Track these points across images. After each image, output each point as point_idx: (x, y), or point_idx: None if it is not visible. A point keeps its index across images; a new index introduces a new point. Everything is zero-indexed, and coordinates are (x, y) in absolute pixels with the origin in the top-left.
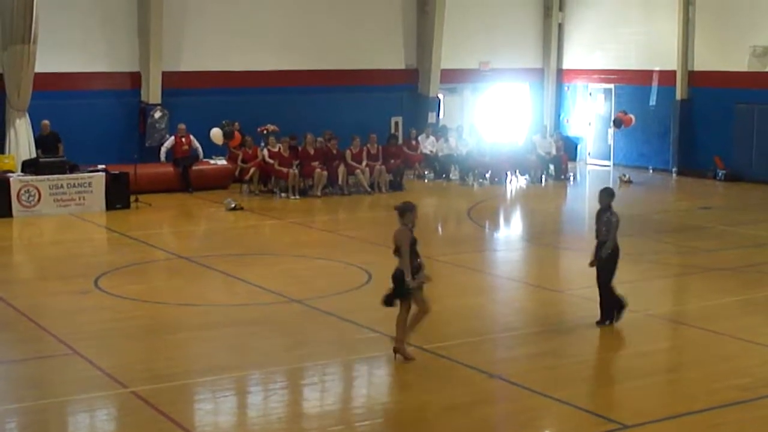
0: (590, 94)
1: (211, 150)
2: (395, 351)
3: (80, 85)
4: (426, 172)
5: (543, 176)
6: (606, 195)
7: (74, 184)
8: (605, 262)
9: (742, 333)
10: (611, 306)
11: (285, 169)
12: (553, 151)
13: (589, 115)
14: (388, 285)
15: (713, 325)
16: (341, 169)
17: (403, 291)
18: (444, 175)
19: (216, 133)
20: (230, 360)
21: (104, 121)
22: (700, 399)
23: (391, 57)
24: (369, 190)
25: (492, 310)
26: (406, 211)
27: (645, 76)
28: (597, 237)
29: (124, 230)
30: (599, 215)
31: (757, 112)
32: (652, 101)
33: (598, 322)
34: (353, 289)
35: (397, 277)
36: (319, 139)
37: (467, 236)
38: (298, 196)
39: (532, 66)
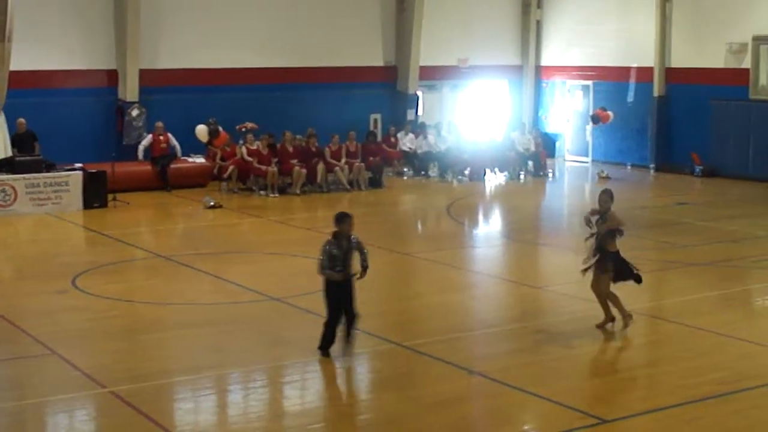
0: (568, 90)
1: (189, 148)
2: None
3: (56, 83)
4: (405, 170)
5: (522, 173)
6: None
7: (51, 182)
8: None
9: (719, 328)
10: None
11: (264, 167)
12: (532, 148)
13: (568, 112)
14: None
15: (691, 320)
16: (320, 166)
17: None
18: (423, 172)
19: (201, 130)
20: (210, 359)
21: (81, 119)
22: (678, 393)
23: (370, 54)
24: (348, 187)
25: (472, 307)
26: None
27: (623, 72)
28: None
29: (101, 229)
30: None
31: (733, 108)
32: (630, 98)
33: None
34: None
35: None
36: (298, 136)
37: (446, 233)
38: (277, 194)
39: (511, 63)
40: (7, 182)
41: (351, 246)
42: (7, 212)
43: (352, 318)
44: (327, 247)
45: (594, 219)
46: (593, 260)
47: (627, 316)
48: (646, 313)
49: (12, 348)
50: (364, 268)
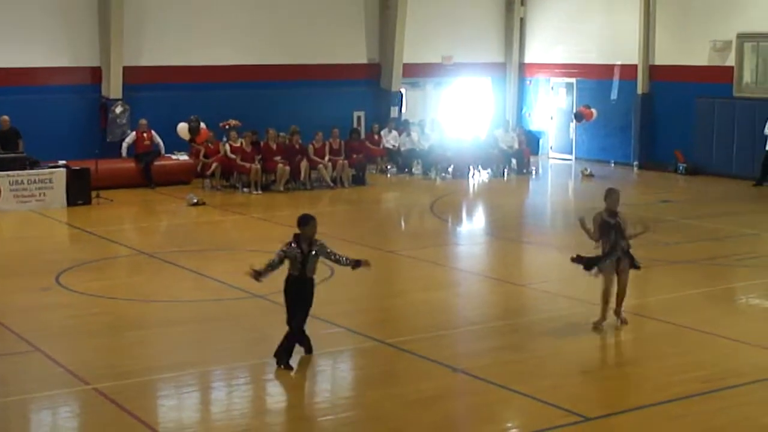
0: (552, 88)
1: (173, 145)
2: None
3: (40, 80)
4: (388, 167)
5: (505, 170)
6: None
7: (34, 180)
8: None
9: (702, 325)
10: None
11: (247, 164)
12: (516, 146)
13: (551, 110)
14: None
15: (675, 318)
16: (303, 164)
17: None
18: (406, 170)
19: (183, 128)
20: (193, 356)
21: (65, 116)
22: (661, 391)
23: (354, 51)
24: (331, 184)
25: (455, 305)
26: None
27: (606, 70)
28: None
29: (85, 226)
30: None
31: (717, 106)
32: (614, 95)
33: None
34: (318, 284)
35: None
36: (282, 134)
37: (430, 230)
38: (260, 191)
39: (495, 60)
40: None
41: (312, 250)
42: None
43: (301, 324)
44: (283, 250)
45: (600, 220)
46: (611, 259)
47: (603, 320)
48: (629, 310)
49: None
50: (357, 262)
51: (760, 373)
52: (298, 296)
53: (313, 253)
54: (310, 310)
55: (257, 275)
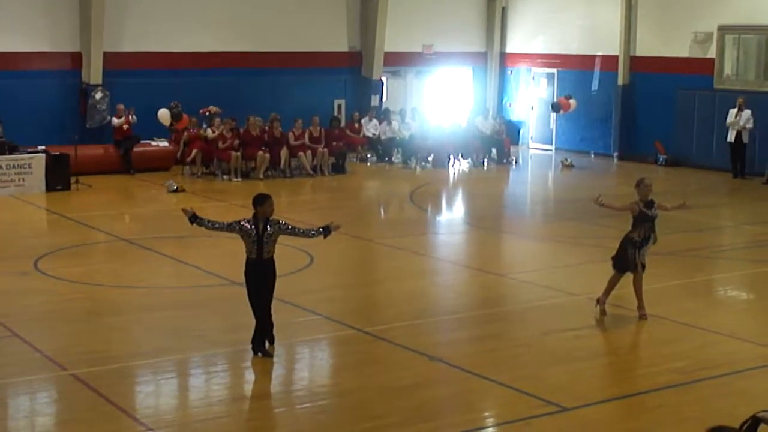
0: (533, 78)
1: (153, 131)
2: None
3: (20, 64)
4: (369, 155)
5: (485, 160)
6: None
7: (14, 165)
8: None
9: (681, 317)
10: None
11: (227, 151)
12: (498, 129)
13: (532, 100)
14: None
15: (653, 309)
16: (284, 151)
17: None
18: (387, 159)
19: (163, 114)
20: (171, 342)
21: (44, 101)
22: (639, 382)
23: (335, 39)
24: (311, 172)
25: (433, 294)
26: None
27: (587, 61)
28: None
29: (64, 212)
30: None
31: (698, 97)
32: (595, 86)
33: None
34: (295, 272)
35: None
36: (258, 118)
37: (409, 219)
38: (240, 179)
39: (476, 50)
40: None
41: (267, 230)
42: None
43: (265, 307)
44: (237, 221)
45: (637, 210)
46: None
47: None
48: (608, 302)
49: None
50: (325, 228)
51: (736, 364)
52: (259, 280)
53: (270, 231)
54: (273, 293)
55: (192, 218)
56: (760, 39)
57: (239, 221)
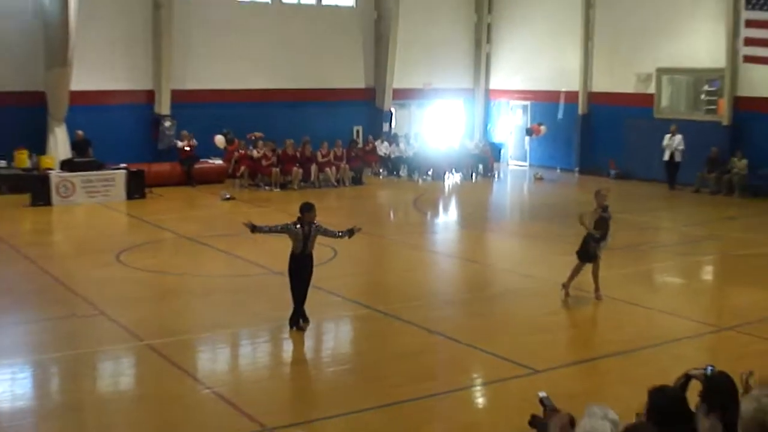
0: (511, 109)
1: (210, 152)
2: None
3: (106, 100)
4: (381, 170)
5: (473, 174)
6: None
7: (101, 179)
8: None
9: (629, 298)
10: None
11: (269, 168)
12: (481, 146)
13: (510, 126)
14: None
15: (608, 292)
16: (313, 167)
17: None
18: (395, 173)
19: (219, 139)
20: (225, 319)
21: (125, 128)
22: (595, 349)
23: (354, 78)
24: (335, 184)
25: (432, 280)
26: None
27: (554, 95)
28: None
29: (140, 215)
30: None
31: (641, 125)
32: (560, 115)
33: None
34: (323, 263)
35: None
36: (292, 141)
37: (413, 221)
38: (279, 189)
39: (466, 86)
40: (68, 178)
41: (311, 231)
42: (68, 202)
43: (304, 293)
44: (287, 224)
45: (597, 216)
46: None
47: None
48: (571, 286)
49: (69, 308)
50: (350, 231)
51: (672, 335)
52: (301, 270)
53: (313, 233)
54: (310, 282)
55: (253, 228)
56: (689, 79)
57: (288, 224)
